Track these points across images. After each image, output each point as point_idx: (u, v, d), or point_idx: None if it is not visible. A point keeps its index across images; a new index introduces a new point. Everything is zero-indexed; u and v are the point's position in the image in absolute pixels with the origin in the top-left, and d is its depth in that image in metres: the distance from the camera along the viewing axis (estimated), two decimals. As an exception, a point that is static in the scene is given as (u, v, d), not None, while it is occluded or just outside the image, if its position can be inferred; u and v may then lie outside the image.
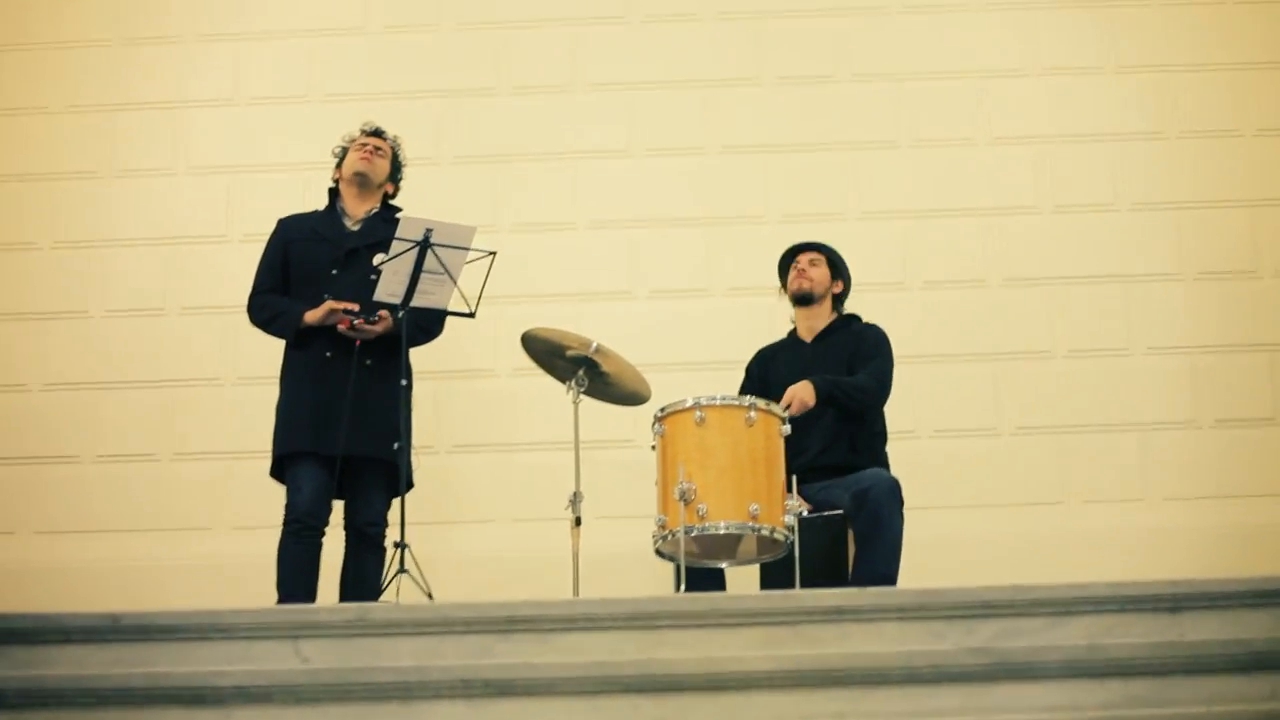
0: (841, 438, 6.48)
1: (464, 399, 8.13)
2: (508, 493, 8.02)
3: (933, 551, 6.96)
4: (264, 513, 6.63)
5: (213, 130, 8.56)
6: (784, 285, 6.91)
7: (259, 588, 6.40)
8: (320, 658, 4.18)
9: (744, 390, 6.79)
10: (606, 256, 8.29)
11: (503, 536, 7.89)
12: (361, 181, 6.66)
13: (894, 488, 6.22)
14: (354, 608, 4.25)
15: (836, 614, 4.16)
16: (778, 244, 7.20)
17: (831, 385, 6.39)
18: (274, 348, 6.64)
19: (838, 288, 6.86)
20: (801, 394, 6.27)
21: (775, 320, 7.25)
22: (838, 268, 6.88)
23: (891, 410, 6.78)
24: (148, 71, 8.61)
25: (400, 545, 6.14)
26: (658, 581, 6.75)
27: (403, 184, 6.94)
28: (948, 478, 7.86)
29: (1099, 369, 8.07)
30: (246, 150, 8.50)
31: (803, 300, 6.82)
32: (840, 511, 6.27)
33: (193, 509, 8.04)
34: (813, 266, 6.84)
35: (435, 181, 8.23)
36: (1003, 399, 8.05)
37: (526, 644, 4.15)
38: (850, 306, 7.00)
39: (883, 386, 6.60)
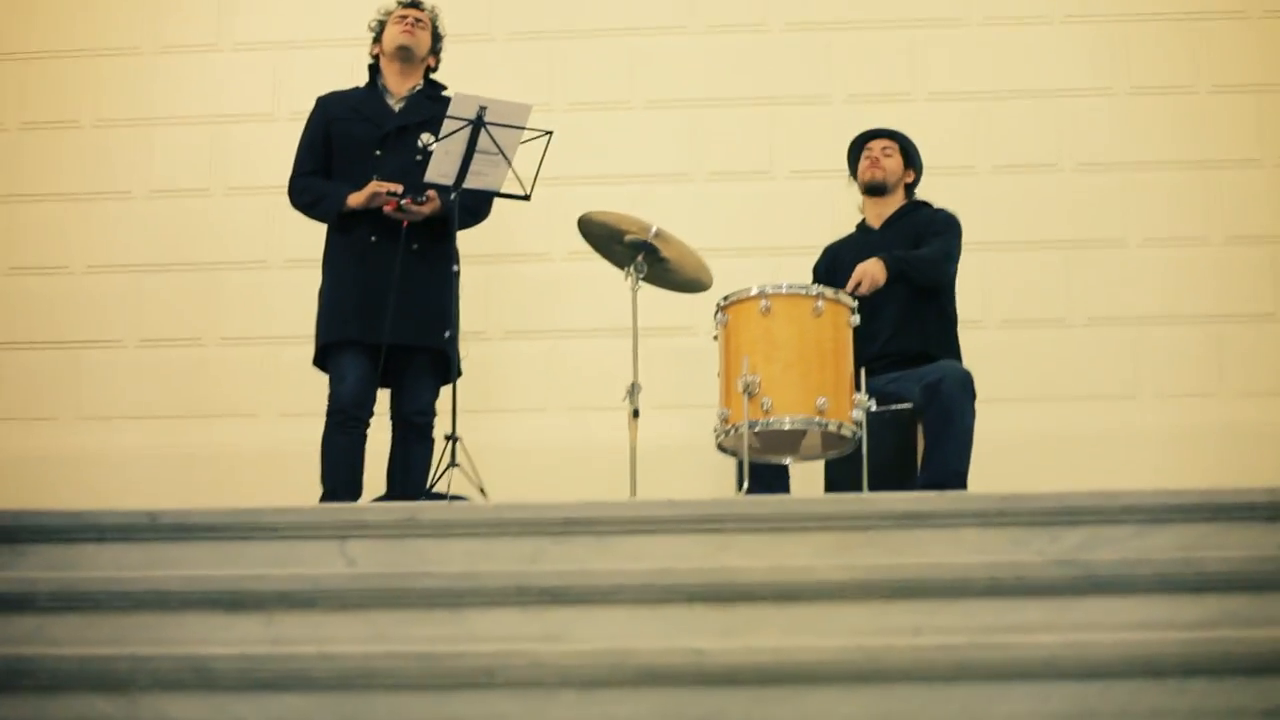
0: (912, 322, 6.24)
1: (516, 283, 7.90)
2: (562, 381, 7.80)
3: (999, 447, 6.69)
4: (312, 399, 6.37)
5: (258, 4, 8.30)
6: (853, 172, 6.63)
7: (307, 477, 6.21)
8: (367, 560, 3.97)
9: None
10: (664, 137, 8.01)
11: (557, 427, 7.68)
12: (404, 56, 6.39)
13: (966, 380, 5.98)
14: (403, 507, 4.04)
15: (912, 519, 3.92)
16: (842, 125, 6.93)
17: (901, 261, 6.16)
18: (321, 229, 6.42)
19: (909, 177, 6.60)
20: (872, 270, 6.05)
21: (840, 205, 7.00)
22: (911, 156, 6.62)
23: (959, 298, 6.55)
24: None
25: (451, 438, 5.91)
26: (718, 476, 6.52)
27: (452, 61, 6.67)
28: (1016, 369, 7.57)
29: (1175, 258, 7.75)
30: (293, 25, 8.23)
31: (875, 190, 6.56)
32: (909, 405, 6.02)
33: (239, 395, 7.85)
34: (885, 156, 6.58)
35: (488, 59, 8.01)
36: (1074, 288, 7.75)
37: (583, 548, 3.93)
38: (919, 190, 6.72)
39: (949, 257, 6.37)
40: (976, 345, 6.68)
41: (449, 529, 3.96)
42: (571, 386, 7.75)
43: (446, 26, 6.72)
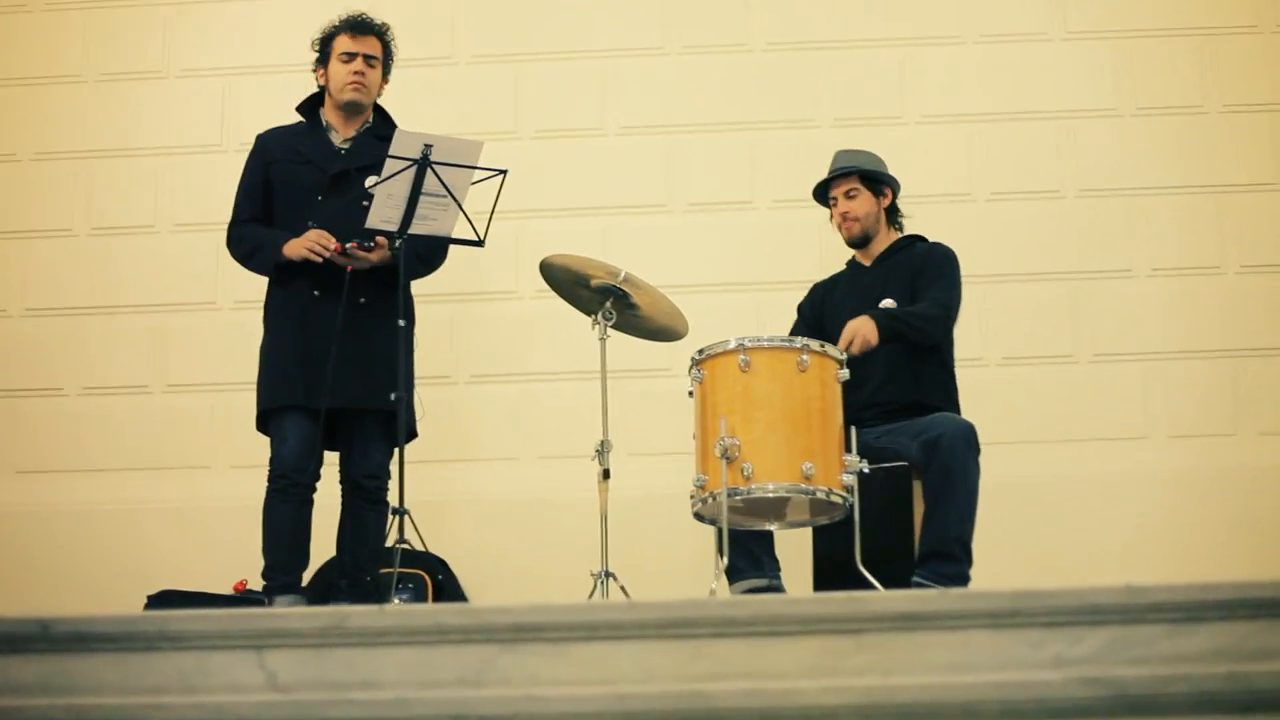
0: (904, 369, 5.76)
1: (482, 324, 7.41)
2: (531, 428, 7.31)
3: (1001, 494, 6.24)
4: (266, 450, 5.86)
5: (206, 28, 7.79)
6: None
7: (260, 533, 5.75)
8: (289, 673, 3.45)
9: (794, 331, 6.04)
10: (639, 166, 7.52)
11: (527, 478, 7.21)
12: (353, 109, 5.91)
13: (969, 435, 5.48)
14: (329, 613, 3.52)
15: (911, 621, 3.41)
16: (829, 151, 6.45)
17: (896, 320, 5.66)
18: (270, 271, 5.90)
19: (886, 200, 6.07)
20: (863, 330, 5.55)
21: (827, 237, 6.53)
22: (878, 181, 6.08)
23: (957, 335, 6.08)
24: (131, -31, 7.82)
25: (399, 511, 5.35)
26: (696, 535, 6.00)
27: (410, 85, 6.25)
28: (1018, 410, 7.11)
29: (1186, 289, 7.27)
30: (243, 50, 7.73)
31: (858, 244, 6.06)
32: (905, 463, 5.52)
33: (188, 446, 7.35)
34: (852, 200, 6.06)
35: (450, 82, 7.60)
36: (1079, 323, 7.27)
37: (535, 657, 3.41)
38: (910, 220, 6.23)
39: (948, 313, 5.86)
40: (975, 385, 6.21)
41: (382, 637, 3.44)
42: (543, 434, 7.27)
43: (403, 49, 6.23)
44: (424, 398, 6.10)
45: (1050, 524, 6.93)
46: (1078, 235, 7.31)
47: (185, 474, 7.30)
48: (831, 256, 6.41)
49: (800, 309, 6.21)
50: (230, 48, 7.73)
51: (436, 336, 7.05)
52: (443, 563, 6.86)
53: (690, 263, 7.29)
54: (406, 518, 5.64)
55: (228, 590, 6.64)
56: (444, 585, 6.79)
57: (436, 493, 6.95)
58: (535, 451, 7.24)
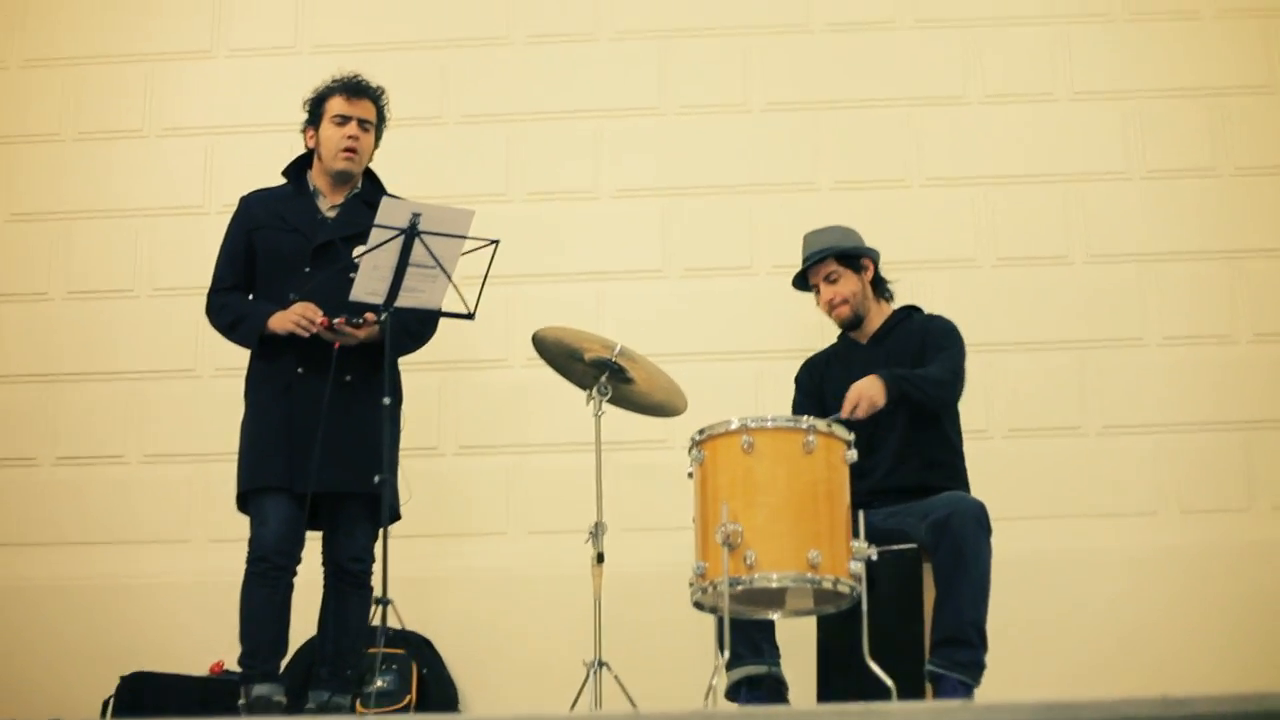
0: (912, 455, 5.51)
1: (472, 393, 7.16)
2: (522, 501, 7.05)
3: (1009, 571, 5.97)
4: (247, 524, 5.58)
5: (188, 86, 7.56)
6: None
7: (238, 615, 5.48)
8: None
9: (796, 408, 5.80)
10: (635, 230, 7.28)
11: (516, 553, 6.96)
12: (345, 178, 5.69)
13: (979, 514, 5.23)
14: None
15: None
16: (831, 215, 6.24)
17: (903, 380, 5.41)
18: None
19: (869, 272, 5.83)
20: (869, 392, 5.31)
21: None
22: (853, 257, 5.81)
23: (961, 406, 5.82)
24: (115, 20, 7.62)
25: (382, 602, 5.05)
26: (694, 617, 5.71)
27: (398, 146, 6.00)
28: (1025, 484, 6.85)
29: (1199, 359, 7.02)
30: (226, 109, 7.50)
31: (852, 326, 5.82)
32: (914, 545, 5.27)
33: (166, 519, 7.07)
34: (834, 284, 5.81)
35: (439, 143, 7.39)
36: (1088, 393, 7.02)
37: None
38: (915, 286, 6.03)
39: (957, 376, 5.61)
40: (981, 457, 5.94)
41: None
42: (534, 508, 7.01)
43: (392, 108, 6.01)
44: (411, 469, 5.86)
45: (1057, 601, 6.68)
46: (1086, 302, 7.08)
47: (162, 548, 7.02)
48: (833, 322, 6.17)
49: (799, 381, 5.97)
50: (214, 106, 7.50)
51: (424, 406, 6.85)
52: (428, 642, 6.63)
53: (687, 330, 7.08)
54: (391, 607, 5.34)
55: (204, 671, 6.42)
56: (428, 664, 6.55)
57: (422, 568, 6.73)
58: (526, 526, 6.99)
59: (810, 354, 6.11)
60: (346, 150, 5.60)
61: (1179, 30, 7.35)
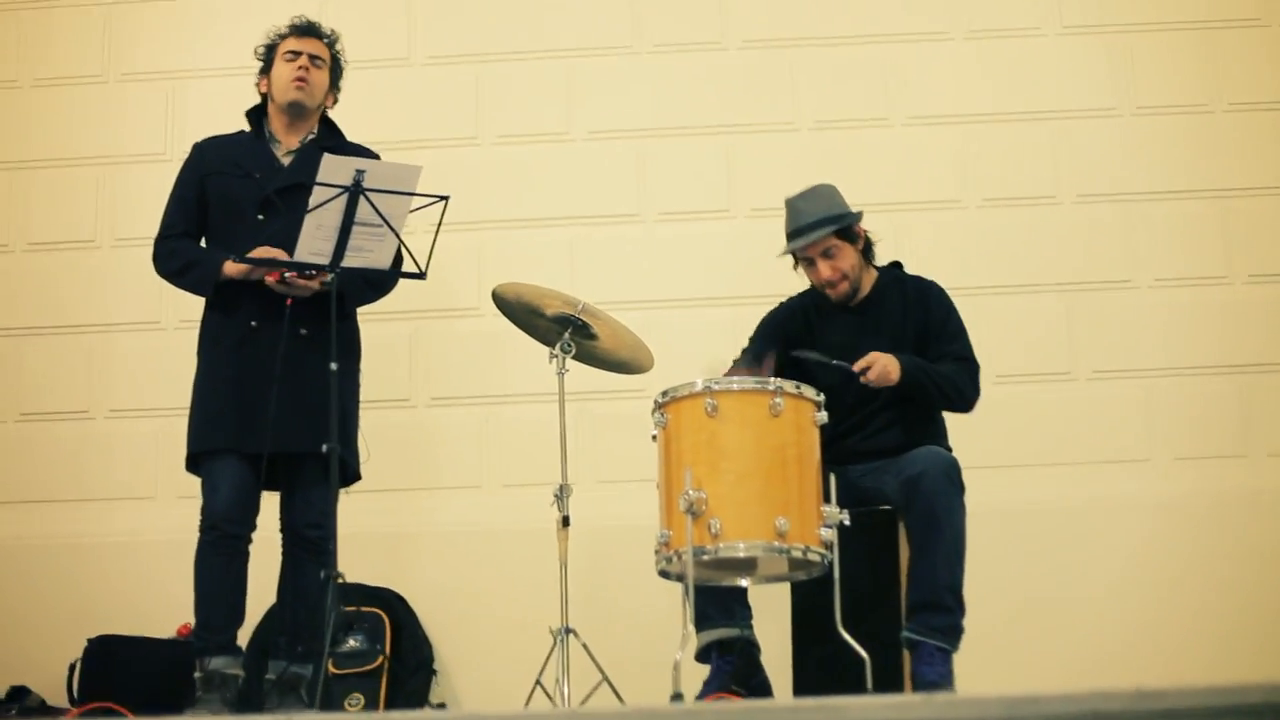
0: (895, 420, 5.29)
1: (444, 343, 6.97)
2: (496, 454, 6.87)
3: (996, 523, 5.83)
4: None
5: (149, 29, 7.30)
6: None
7: (193, 584, 5.31)
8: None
9: (756, 344, 5.55)
10: (608, 173, 7.06)
11: (489, 506, 6.78)
12: (297, 110, 5.45)
13: (951, 471, 5.04)
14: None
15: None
16: (810, 155, 6.09)
17: (922, 372, 5.21)
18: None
19: (860, 239, 5.53)
20: (888, 366, 5.10)
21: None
22: (849, 230, 5.46)
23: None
24: (71, -35, 7.36)
25: (329, 576, 4.80)
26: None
27: (362, 89, 5.80)
28: (1013, 431, 6.67)
29: (1191, 301, 6.82)
30: (189, 52, 7.25)
31: (849, 301, 5.54)
32: (888, 506, 5.09)
33: (132, 475, 6.89)
34: (831, 260, 5.44)
35: (407, 85, 7.16)
36: (1077, 337, 6.83)
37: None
38: (898, 229, 5.78)
39: (975, 385, 5.39)
40: (966, 404, 5.72)
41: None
42: (508, 460, 6.83)
43: (356, 50, 5.79)
44: (382, 422, 5.70)
45: (1048, 553, 6.53)
46: (1075, 244, 6.87)
47: (129, 505, 6.85)
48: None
49: (763, 325, 5.67)
50: (176, 49, 7.26)
51: (395, 357, 6.73)
52: (401, 599, 6.48)
53: (663, 276, 6.90)
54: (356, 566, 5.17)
55: (172, 633, 6.28)
56: (402, 623, 6.39)
57: (395, 523, 6.64)
58: (500, 479, 6.82)
59: (782, 299, 5.84)
60: (297, 79, 5.43)
61: (1169, -38, 7.11)
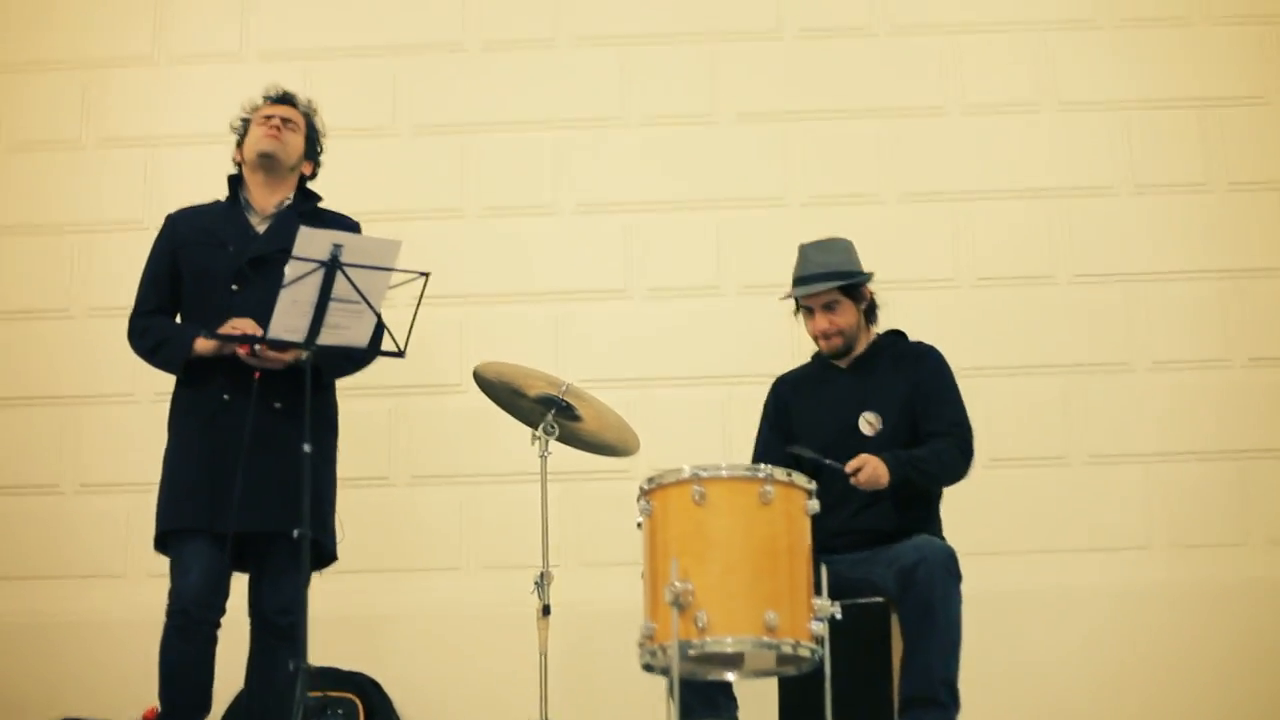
0: (886, 497, 5.12)
1: (425, 420, 6.80)
2: (476, 534, 6.69)
3: (989, 613, 5.67)
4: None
5: (128, 94, 7.17)
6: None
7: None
8: None
9: (763, 435, 5.43)
10: (596, 247, 6.92)
11: (469, 588, 6.63)
12: (268, 165, 5.29)
13: (948, 561, 4.88)
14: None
15: None
16: (801, 232, 5.88)
17: (909, 467, 5.06)
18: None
19: (865, 301, 5.47)
20: (877, 468, 4.96)
21: (800, 324, 5.92)
22: (856, 289, 5.41)
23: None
24: (51, 25, 7.25)
25: (299, 668, 4.56)
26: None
27: (346, 160, 5.65)
28: (1007, 517, 6.52)
29: (1192, 384, 6.67)
30: (168, 119, 7.12)
31: (840, 356, 5.44)
32: (881, 599, 4.92)
33: (101, 552, 6.71)
34: (829, 313, 5.38)
35: (391, 156, 7.03)
36: (1074, 420, 6.67)
37: None
38: (891, 307, 5.62)
39: (967, 456, 5.25)
40: (960, 489, 5.49)
41: None
42: (489, 541, 6.66)
43: (339, 119, 5.66)
44: (359, 501, 5.52)
45: (1043, 643, 6.38)
46: (1072, 324, 6.74)
47: (97, 583, 6.67)
48: (806, 345, 5.81)
49: (765, 410, 5.59)
50: (155, 115, 7.13)
51: (374, 434, 6.59)
52: (375, 684, 6.28)
53: (651, 353, 6.76)
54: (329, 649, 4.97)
55: (138, 717, 6.07)
56: (376, 708, 6.20)
57: (371, 605, 6.49)
58: (480, 560, 6.66)
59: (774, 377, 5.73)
60: (269, 132, 5.29)
61: (1170, 38, 7.01)
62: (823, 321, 5.36)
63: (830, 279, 5.31)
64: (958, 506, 5.42)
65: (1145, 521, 6.57)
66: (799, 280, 5.39)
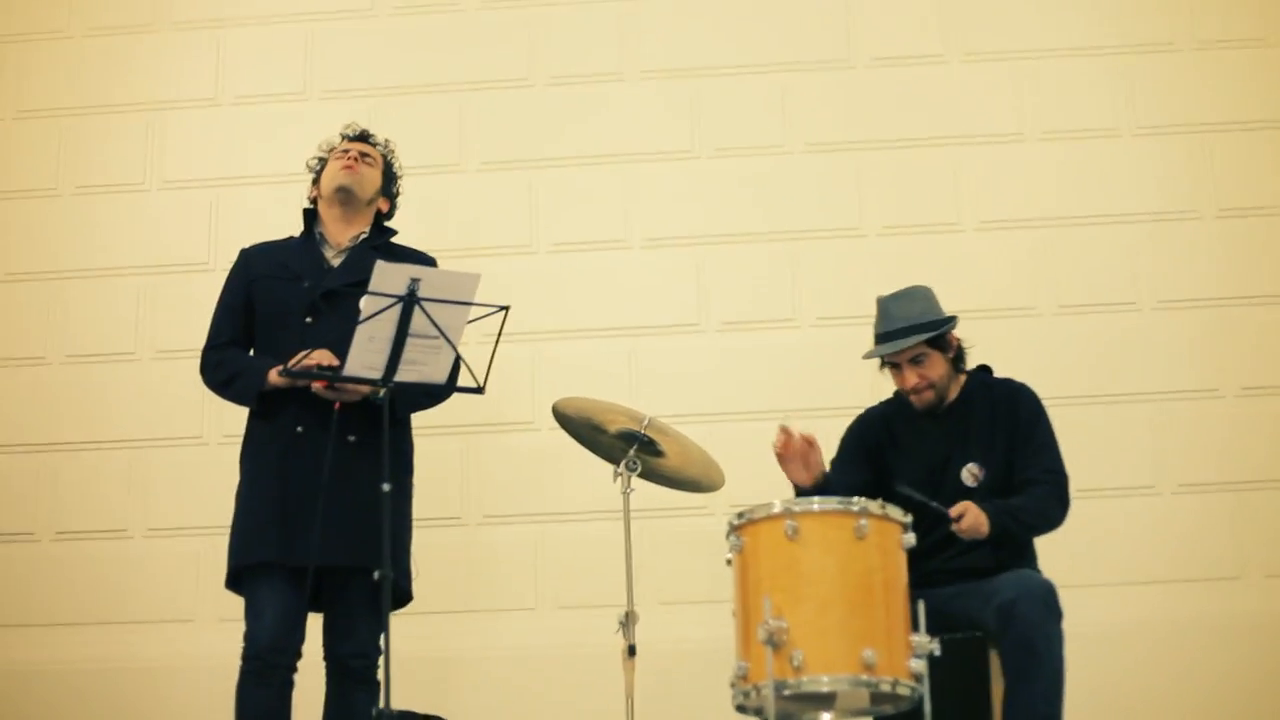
0: (987, 540, 4.94)
1: (497, 458, 6.69)
2: (551, 574, 6.58)
3: (1078, 644, 5.46)
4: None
5: (191, 136, 7.13)
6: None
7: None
8: None
9: (837, 468, 5.28)
10: (668, 281, 6.82)
11: (544, 629, 6.50)
12: (345, 199, 5.20)
13: (1048, 597, 4.70)
14: None
15: None
16: (877, 261, 5.85)
17: (1005, 515, 4.89)
18: (260, 402, 5.20)
19: (952, 349, 5.27)
20: (978, 519, 4.81)
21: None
22: (942, 338, 5.22)
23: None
24: (113, 67, 7.22)
25: (381, 715, 4.42)
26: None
27: (418, 198, 5.53)
28: (1094, 548, 6.33)
29: (1281, 411, 6.49)
30: (232, 161, 7.07)
31: (933, 409, 5.27)
32: (979, 634, 4.76)
33: (170, 597, 6.62)
34: (918, 367, 5.19)
35: (458, 192, 6.95)
36: (1163, 450, 6.52)
37: None
38: (970, 337, 5.47)
39: (1064, 502, 5.07)
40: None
41: None
42: (563, 581, 6.55)
43: (406, 155, 5.61)
44: (431, 541, 5.40)
45: (1132, 677, 6.19)
46: (1157, 352, 6.60)
47: (166, 629, 6.59)
48: (885, 379, 5.67)
49: (844, 443, 5.42)
50: (219, 156, 7.08)
51: (446, 473, 6.47)
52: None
53: (726, 389, 6.63)
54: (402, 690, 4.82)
55: (210, 766, 5.96)
56: (451, 754, 6.05)
57: (443, 647, 6.38)
58: (554, 600, 6.54)
59: (858, 410, 5.55)
60: (345, 166, 5.22)
61: (1249, 59, 6.88)
62: (912, 377, 5.17)
63: (914, 332, 5.12)
64: (1044, 538, 5.26)
65: (1236, 551, 6.40)
66: (881, 337, 5.20)
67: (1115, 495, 6.42)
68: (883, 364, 5.28)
